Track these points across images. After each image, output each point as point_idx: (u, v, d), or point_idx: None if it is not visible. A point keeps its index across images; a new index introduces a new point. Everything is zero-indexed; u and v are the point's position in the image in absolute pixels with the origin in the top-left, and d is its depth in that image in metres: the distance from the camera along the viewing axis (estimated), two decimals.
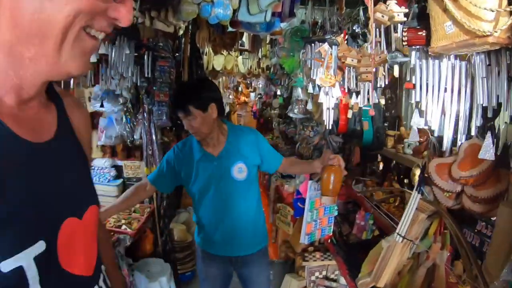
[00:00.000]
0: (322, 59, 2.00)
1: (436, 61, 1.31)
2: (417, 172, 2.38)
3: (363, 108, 2.66)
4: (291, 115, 3.60)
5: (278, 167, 2.30)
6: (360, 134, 2.65)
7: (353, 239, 3.10)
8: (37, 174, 0.69)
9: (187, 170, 2.14)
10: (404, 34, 1.29)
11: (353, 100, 2.13)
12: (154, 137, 3.06)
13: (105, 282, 0.87)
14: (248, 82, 10.61)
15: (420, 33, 1.28)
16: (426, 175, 1.44)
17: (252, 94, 11.20)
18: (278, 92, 5.28)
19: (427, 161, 1.43)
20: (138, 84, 2.87)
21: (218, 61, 5.38)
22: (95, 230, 0.85)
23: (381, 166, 3.37)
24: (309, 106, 2.57)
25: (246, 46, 5.06)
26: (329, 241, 3.20)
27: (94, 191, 0.88)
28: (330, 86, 2.08)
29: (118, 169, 3.29)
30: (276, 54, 3.87)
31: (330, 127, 2.24)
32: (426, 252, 1.45)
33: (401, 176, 3.12)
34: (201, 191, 2.14)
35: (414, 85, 1.36)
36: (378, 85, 1.83)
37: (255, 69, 6.02)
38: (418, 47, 1.38)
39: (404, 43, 1.29)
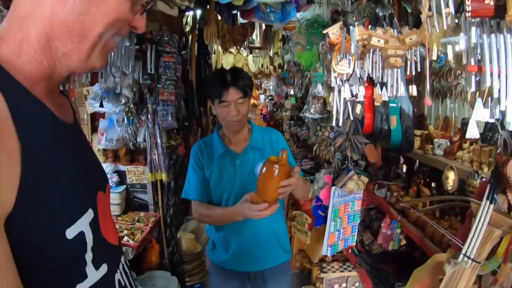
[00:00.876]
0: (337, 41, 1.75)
1: (508, 35, 1.04)
2: (451, 175, 2.16)
3: (390, 104, 2.41)
4: (307, 115, 3.34)
5: None
6: (387, 134, 2.37)
7: (377, 249, 2.86)
8: (76, 151, 0.78)
9: (209, 169, 1.97)
10: (468, 3, 1.02)
11: (378, 91, 1.89)
12: (159, 140, 2.85)
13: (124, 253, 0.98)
14: (258, 83, 10.39)
15: (487, 1, 1.02)
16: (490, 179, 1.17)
17: (262, 96, 11.03)
18: (292, 92, 5.04)
19: (498, 162, 1.15)
20: (141, 81, 2.65)
21: (227, 60, 5.18)
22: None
23: (404, 168, 3.12)
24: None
25: (257, 44, 4.85)
26: (349, 251, 2.97)
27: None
28: (346, 75, 1.83)
29: (121, 174, 3.13)
30: (290, 50, 3.66)
31: (337, 123, 1.97)
32: (491, 274, 1.17)
33: (427, 179, 2.88)
34: (222, 193, 1.94)
35: (479, 68, 1.09)
36: (408, 73, 1.61)
37: (267, 68, 5.77)
38: (476, 21, 1.11)
39: (467, 15, 1.03)
